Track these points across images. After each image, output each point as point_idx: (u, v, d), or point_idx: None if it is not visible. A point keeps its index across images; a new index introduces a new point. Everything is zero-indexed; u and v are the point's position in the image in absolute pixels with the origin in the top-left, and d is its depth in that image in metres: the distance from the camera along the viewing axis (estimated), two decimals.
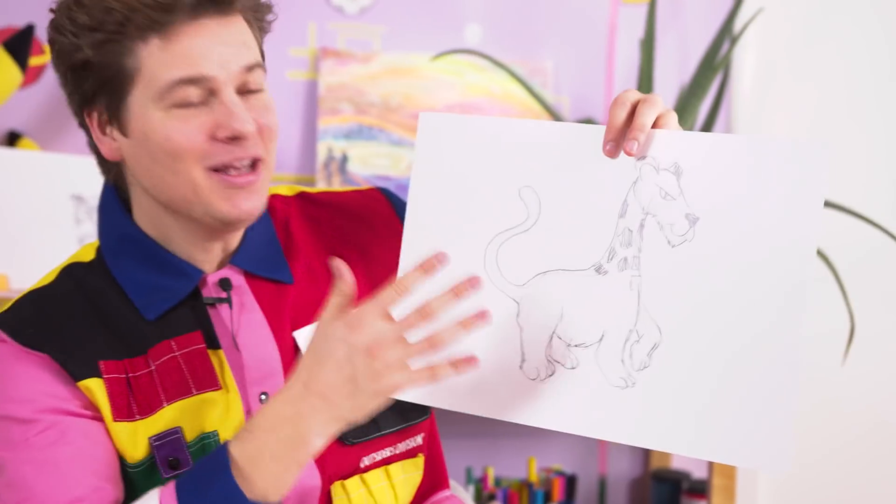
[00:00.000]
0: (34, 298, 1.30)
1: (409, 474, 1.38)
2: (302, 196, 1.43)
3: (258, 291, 1.33)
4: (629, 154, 1.15)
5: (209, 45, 1.23)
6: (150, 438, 1.24)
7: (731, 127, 2.75)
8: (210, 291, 1.30)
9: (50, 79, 2.33)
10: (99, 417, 1.24)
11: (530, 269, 1.22)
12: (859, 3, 2.75)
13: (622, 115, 1.16)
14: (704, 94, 2.43)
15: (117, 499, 1.23)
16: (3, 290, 2.17)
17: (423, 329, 1.13)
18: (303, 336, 1.32)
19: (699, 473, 2.59)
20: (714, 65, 2.41)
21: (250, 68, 1.25)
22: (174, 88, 1.22)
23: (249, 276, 1.33)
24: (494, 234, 1.22)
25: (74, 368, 1.23)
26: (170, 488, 1.17)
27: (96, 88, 1.26)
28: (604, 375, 1.19)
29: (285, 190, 1.44)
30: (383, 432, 1.34)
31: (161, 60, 1.22)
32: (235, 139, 1.23)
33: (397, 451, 1.36)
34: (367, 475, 1.33)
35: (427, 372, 1.14)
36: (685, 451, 1.17)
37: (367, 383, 1.12)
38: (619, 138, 1.16)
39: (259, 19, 1.30)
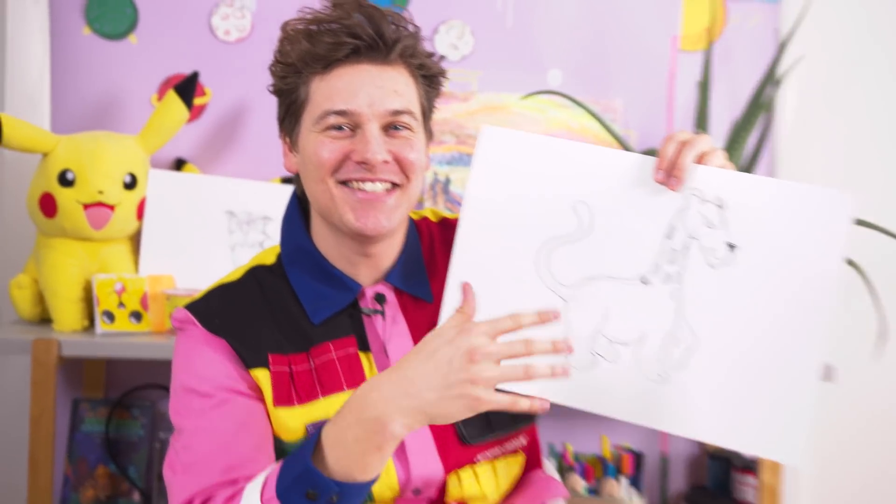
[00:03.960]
0: (223, 293, 1.37)
1: (510, 468, 1.43)
2: (443, 222, 1.47)
3: (404, 306, 1.38)
4: (671, 188, 1.20)
5: (361, 85, 1.29)
6: (307, 425, 1.30)
7: (774, 157, 2.74)
8: (367, 303, 1.36)
9: (209, 115, 2.61)
10: (261, 399, 1.31)
11: (579, 273, 1.23)
12: (887, 55, 2.80)
13: (672, 150, 1.20)
14: (752, 129, 2.50)
15: (266, 467, 1.26)
16: (170, 288, 2.37)
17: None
18: None
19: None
20: (760, 104, 2.50)
21: (397, 112, 1.30)
22: (326, 117, 1.29)
23: (398, 291, 1.38)
24: (547, 238, 1.24)
25: (248, 357, 1.31)
26: (279, 463, 1.20)
27: (285, 113, 1.36)
28: (641, 371, 1.23)
29: (431, 216, 1.48)
30: (496, 434, 1.38)
31: (322, 93, 1.30)
32: (364, 164, 1.29)
33: (504, 450, 1.41)
34: (477, 467, 1.37)
35: (522, 370, 1.15)
36: (711, 439, 1.21)
37: (457, 383, 1.13)
38: (669, 170, 1.20)
39: (426, 77, 1.36)
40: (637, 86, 2.74)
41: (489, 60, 2.70)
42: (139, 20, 2.60)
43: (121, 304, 2.31)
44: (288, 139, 1.38)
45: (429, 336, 1.16)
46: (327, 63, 1.30)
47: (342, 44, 1.28)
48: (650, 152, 2.60)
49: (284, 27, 1.34)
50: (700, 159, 1.20)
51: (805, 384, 1.18)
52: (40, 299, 2.40)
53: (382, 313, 1.36)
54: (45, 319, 2.42)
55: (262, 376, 1.31)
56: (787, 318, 1.18)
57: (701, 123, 2.54)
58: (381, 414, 1.13)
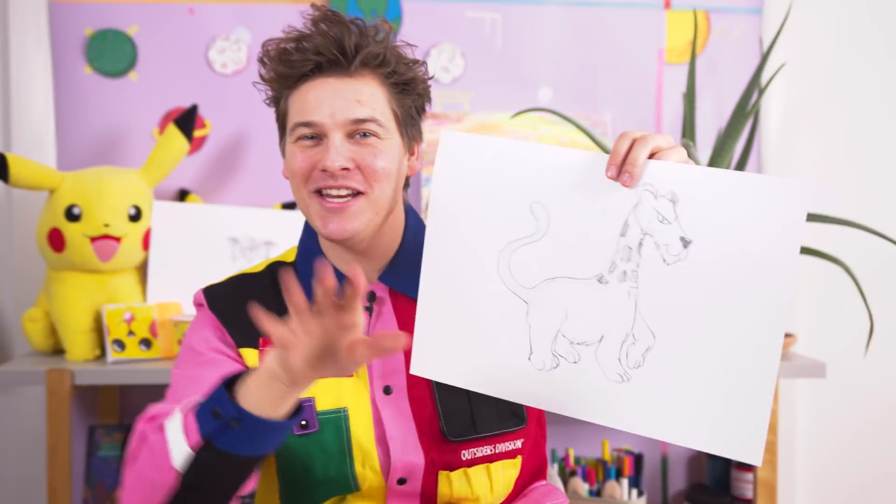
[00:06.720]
0: (238, 281, 1.46)
1: (507, 471, 1.42)
2: None
3: (398, 305, 1.42)
4: (624, 185, 1.17)
5: (323, 98, 1.35)
6: None
7: (761, 164, 2.72)
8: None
9: (210, 146, 2.63)
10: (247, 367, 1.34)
11: (539, 275, 1.23)
12: (866, 60, 2.79)
13: (624, 146, 1.17)
14: (738, 136, 2.45)
15: None
16: (178, 315, 2.38)
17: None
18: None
19: None
20: (745, 112, 2.44)
21: (360, 121, 1.34)
22: (297, 128, 1.36)
23: (393, 291, 1.43)
24: (507, 241, 1.24)
25: (239, 338, 1.40)
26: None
27: (277, 122, 1.44)
28: (602, 371, 1.22)
29: None
30: (480, 434, 1.39)
31: (294, 107, 1.38)
32: (327, 171, 1.34)
33: (497, 452, 1.41)
34: (470, 470, 1.39)
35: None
36: (671, 439, 1.19)
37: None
38: (621, 165, 1.17)
39: (397, 84, 1.38)
40: (625, 100, 2.74)
41: (480, 81, 2.71)
42: (138, 57, 2.62)
43: (130, 333, 2.32)
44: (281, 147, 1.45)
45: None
46: (296, 79, 1.37)
47: (306, 61, 1.35)
48: None
49: (264, 46, 1.40)
50: (655, 155, 1.18)
51: (764, 381, 1.14)
52: (52, 331, 2.42)
53: (370, 310, 1.40)
54: (57, 350, 2.44)
55: (251, 356, 1.39)
56: (743, 313, 1.14)
57: (688, 133, 2.51)
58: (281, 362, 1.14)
